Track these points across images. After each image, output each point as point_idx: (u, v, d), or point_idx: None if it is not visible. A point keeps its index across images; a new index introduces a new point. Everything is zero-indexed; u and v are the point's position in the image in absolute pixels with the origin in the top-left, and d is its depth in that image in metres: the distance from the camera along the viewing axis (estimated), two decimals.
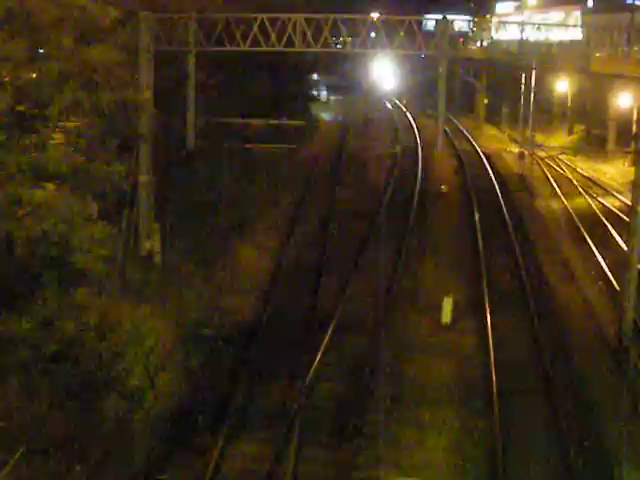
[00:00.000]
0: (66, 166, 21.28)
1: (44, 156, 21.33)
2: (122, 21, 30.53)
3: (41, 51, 23.59)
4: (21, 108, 22.45)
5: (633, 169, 32.36)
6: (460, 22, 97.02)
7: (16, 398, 19.32)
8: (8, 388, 19.35)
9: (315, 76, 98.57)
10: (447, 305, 31.78)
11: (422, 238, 42.34)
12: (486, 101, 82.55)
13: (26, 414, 19.09)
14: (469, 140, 74.91)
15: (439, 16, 40.54)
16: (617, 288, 33.53)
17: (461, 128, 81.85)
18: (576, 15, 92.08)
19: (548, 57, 67.55)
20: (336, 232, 42.82)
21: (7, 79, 21.91)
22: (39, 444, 18.57)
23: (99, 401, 20.92)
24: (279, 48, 38.71)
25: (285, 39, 38.22)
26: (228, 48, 38.80)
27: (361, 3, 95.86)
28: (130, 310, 25.51)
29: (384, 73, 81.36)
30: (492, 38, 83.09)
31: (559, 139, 74.29)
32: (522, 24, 66.40)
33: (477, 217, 45.81)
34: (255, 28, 38.07)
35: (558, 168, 60.95)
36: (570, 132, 78.03)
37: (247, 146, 47.66)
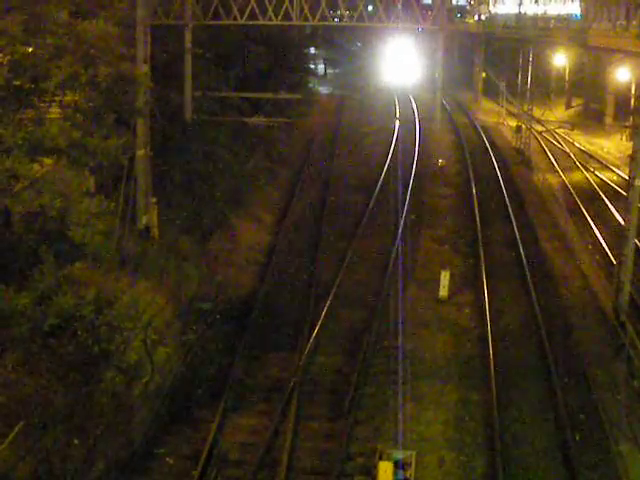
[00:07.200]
0: (63, 140, 21.17)
1: (41, 130, 21.22)
2: None
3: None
4: (18, 82, 22.33)
5: (631, 143, 32.38)
6: None
7: (15, 372, 19.37)
8: (7, 362, 19.39)
9: (312, 50, 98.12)
10: (444, 279, 31.79)
11: (419, 212, 42.35)
12: (484, 75, 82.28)
13: (25, 388, 19.14)
14: (467, 114, 74.83)
15: None
16: (614, 262, 33.59)
17: (459, 102, 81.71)
18: None
19: (546, 31, 67.27)
20: (334, 205, 42.86)
21: (3, 53, 21.78)
22: (38, 418, 18.64)
23: (97, 375, 20.98)
24: (276, 22, 38.47)
25: (282, 12, 37.98)
26: (225, 22, 38.57)
27: None
28: (128, 284, 25.53)
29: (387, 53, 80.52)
30: (490, 12, 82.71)
31: (557, 113, 74.14)
32: None
33: (474, 190, 45.83)
34: (252, 1, 37.81)
35: (555, 142, 60.88)
36: (568, 106, 77.88)
37: (244, 119, 47.53)
